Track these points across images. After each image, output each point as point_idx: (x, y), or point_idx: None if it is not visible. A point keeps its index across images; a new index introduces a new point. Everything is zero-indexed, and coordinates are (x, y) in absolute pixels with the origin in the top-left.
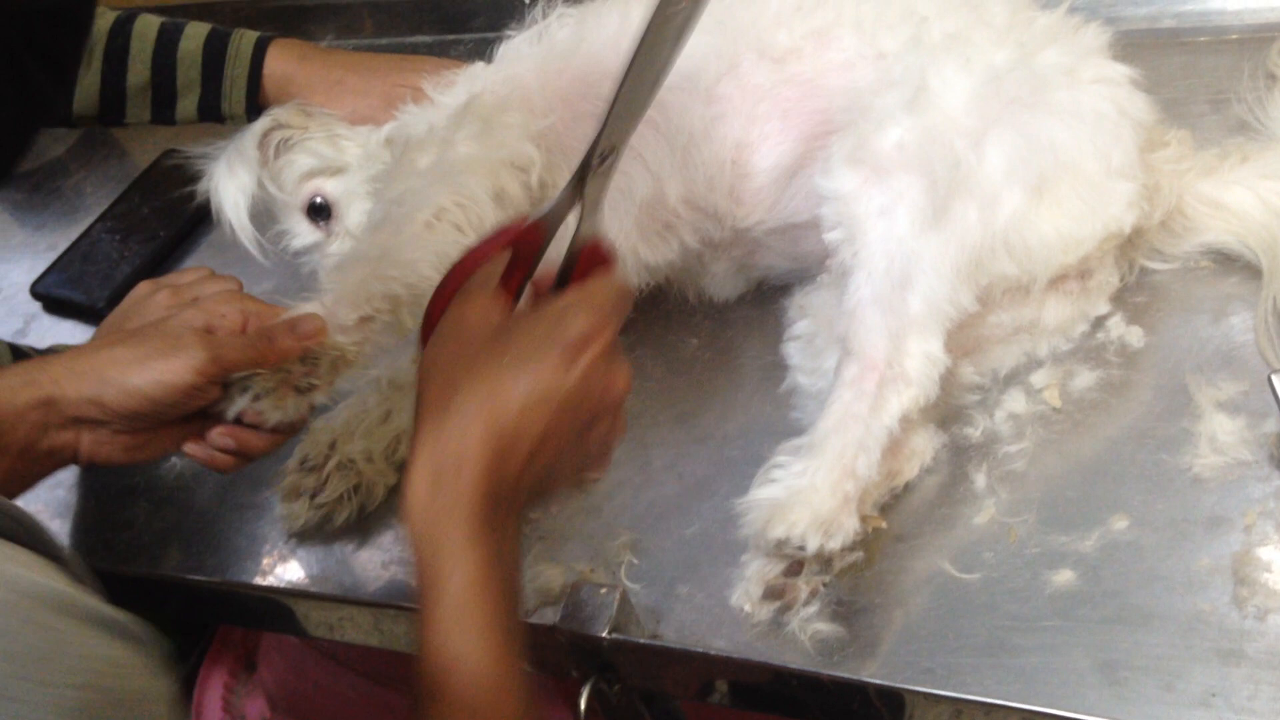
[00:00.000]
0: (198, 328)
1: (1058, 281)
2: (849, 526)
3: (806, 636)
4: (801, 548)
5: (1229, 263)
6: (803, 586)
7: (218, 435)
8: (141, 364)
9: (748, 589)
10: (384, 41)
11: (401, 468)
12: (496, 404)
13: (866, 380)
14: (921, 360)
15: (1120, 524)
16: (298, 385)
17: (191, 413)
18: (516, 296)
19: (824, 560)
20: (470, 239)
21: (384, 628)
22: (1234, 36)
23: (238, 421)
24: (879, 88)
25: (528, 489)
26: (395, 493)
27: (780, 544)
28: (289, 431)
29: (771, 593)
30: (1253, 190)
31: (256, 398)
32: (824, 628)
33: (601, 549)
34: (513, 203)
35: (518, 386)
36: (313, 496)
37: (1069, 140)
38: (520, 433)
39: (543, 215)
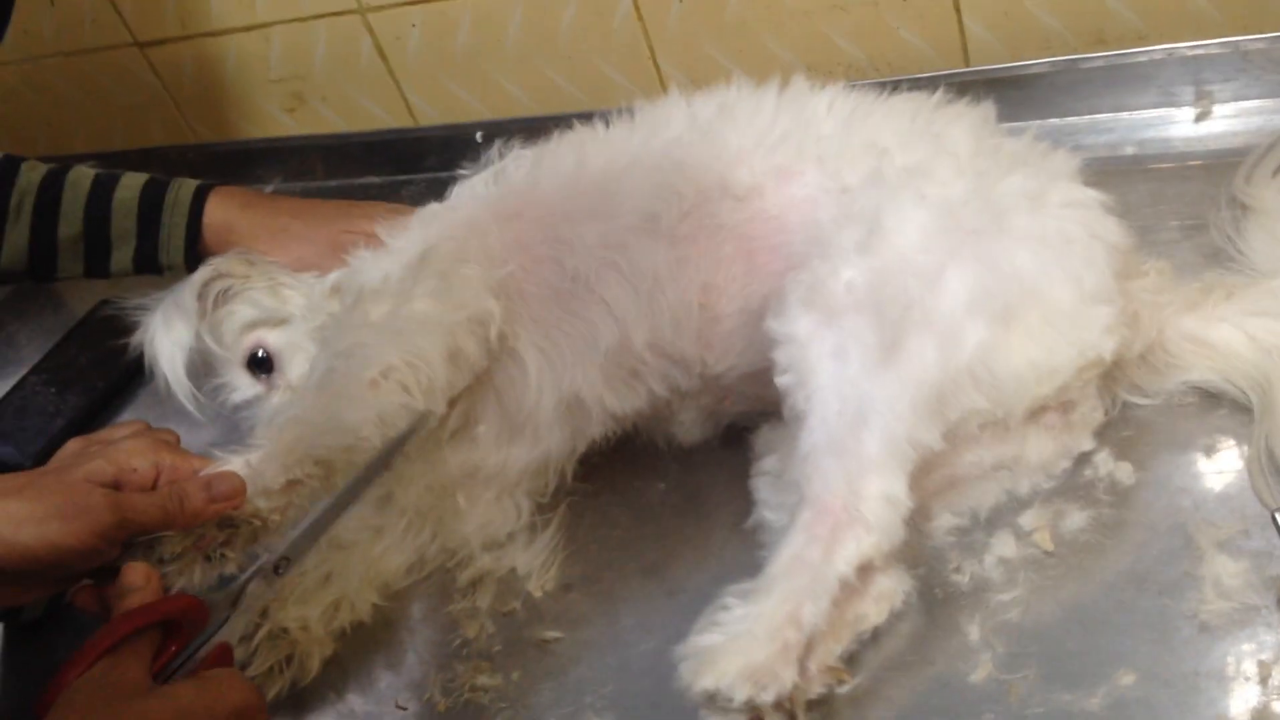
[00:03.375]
0: (105, 483)
1: (1038, 415)
2: (785, 678)
3: None
4: (729, 701)
5: (1215, 398)
6: None
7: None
8: (38, 524)
9: None
10: (334, 184)
11: (341, 637)
12: None
13: (820, 525)
14: (880, 503)
15: (1128, 679)
16: (208, 553)
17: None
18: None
19: (787, 715)
20: (418, 402)
21: None
22: (1197, 163)
23: None
24: (838, 224)
25: None
26: (334, 665)
27: (709, 697)
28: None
29: None
30: (1240, 328)
31: (161, 561)
32: None
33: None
34: (468, 363)
35: None
36: (240, 670)
37: (1035, 267)
38: None
39: (206, 596)
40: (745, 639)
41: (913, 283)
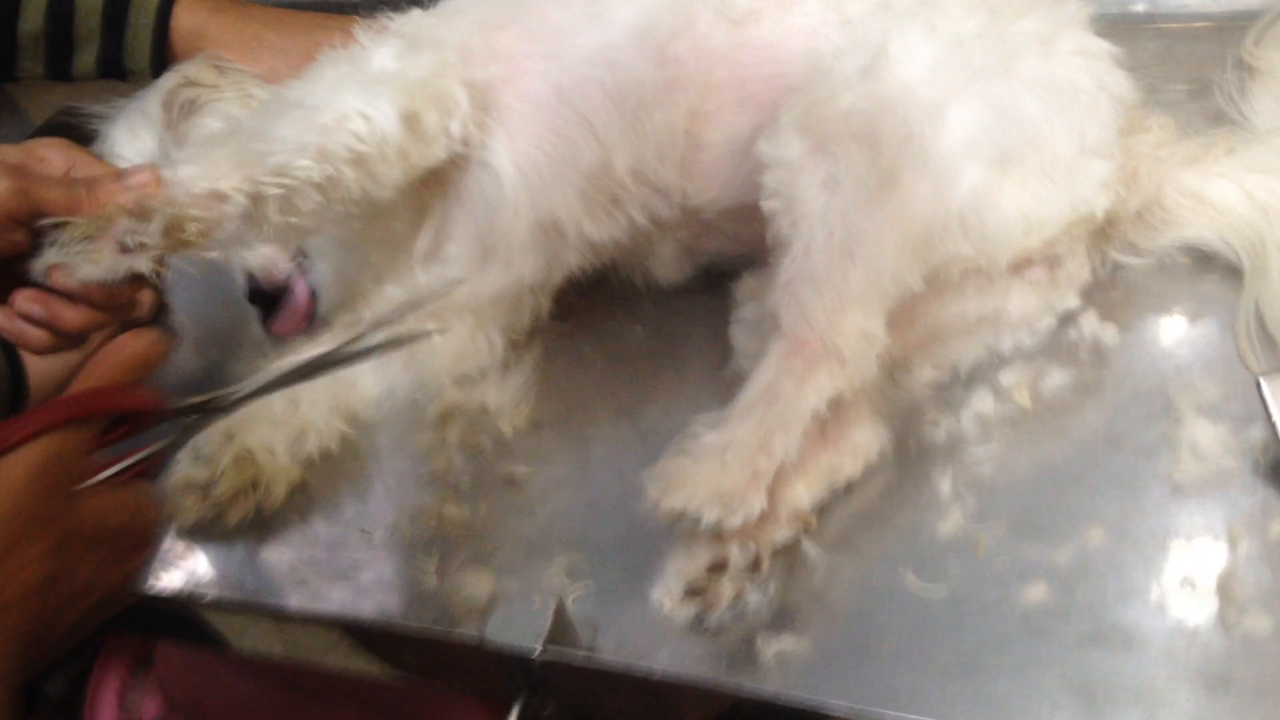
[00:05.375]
0: (9, 162)
1: (1022, 268)
2: (754, 504)
3: (756, 651)
4: (697, 521)
5: (1207, 261)
6: (727, 585)
7: (23, 300)
8: None
9: (668, 585)
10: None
11: (308, 464)
12: None
13: (795, 356)
14: (857, 338)
15: (1096, 535)
16: (122, 241)
17: None
18: None
19: (751, 559)
20: (369, 150)
21: (289, 637)
22: (1208, 23)
23: (48, 285)
24: (839, 53)
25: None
26: (300, 492)
27: (677, 515)
28: (112, 305)
29: (693, 590)
30: (1238, 184)
31: (66, 247)
32: (776, 644)
33: (535, 554)
34: (425, 136)
35: None
36: (204, 491)
37: (1040, 113)
38: None
39: (175, 404)
40: (716, 463)
41: (914, 116)
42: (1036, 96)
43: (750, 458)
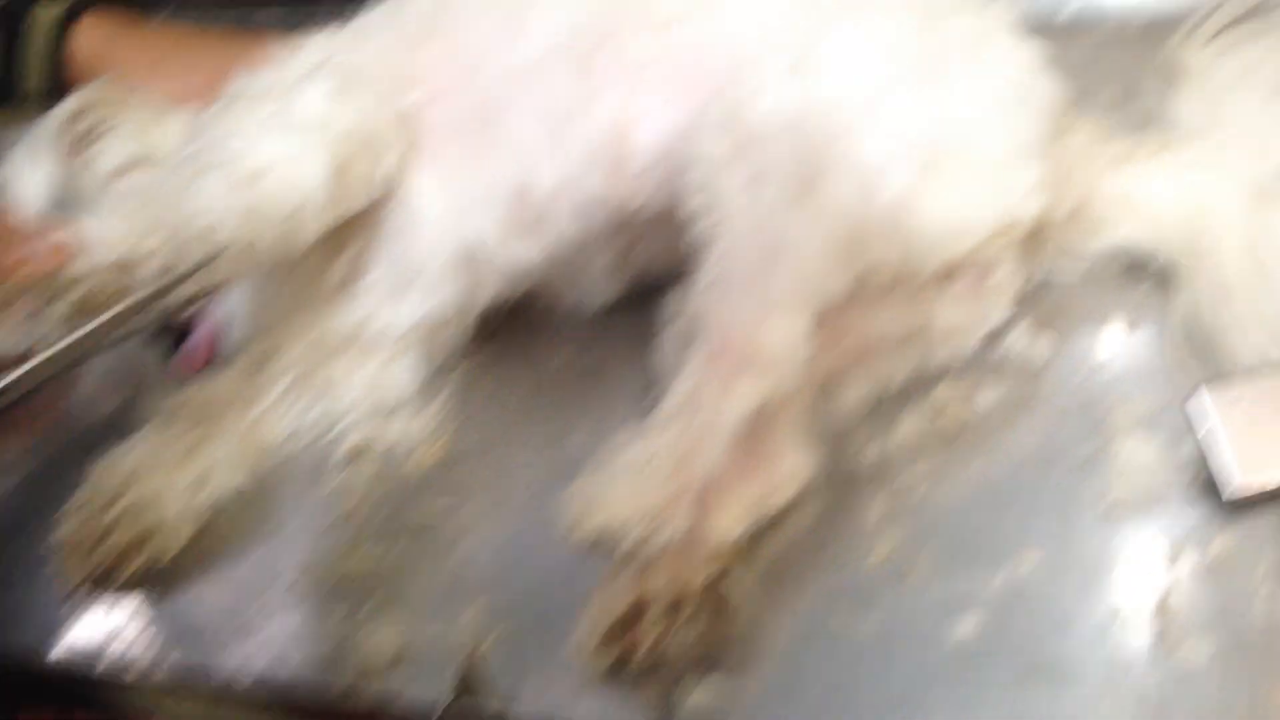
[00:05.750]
0: None
1: (951, 276)
2: (679, 521)
3: (680, 697)
4: (618, 544)
5: (1141, 267)
6: (649, 628)
7: None
8: None
9: (587, 629)
10: (230, 13)
11: (209, 510)
12: None
13: (719, 362)
14: (782, 343)
15: (1030, 561)
16: (28, 314)
17: None
18: None
19: (674, 599)
20: (298, 204)
21: (189, 704)
22: (1140, 26)
23: None
24: (766, 52)
25: None
26: (199, 543)
27: (597, 537)
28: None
29: (613, 634)
30: (1169, 183)
31: None
32: (701, 689)
33: (450, 598)
34: (356, 183)
35: None
36: (93, 548)
37: (968, 116)
38: None
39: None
40: (637, 478)
41: (840, 115)
42: (964, 98)
43: (673, 470)
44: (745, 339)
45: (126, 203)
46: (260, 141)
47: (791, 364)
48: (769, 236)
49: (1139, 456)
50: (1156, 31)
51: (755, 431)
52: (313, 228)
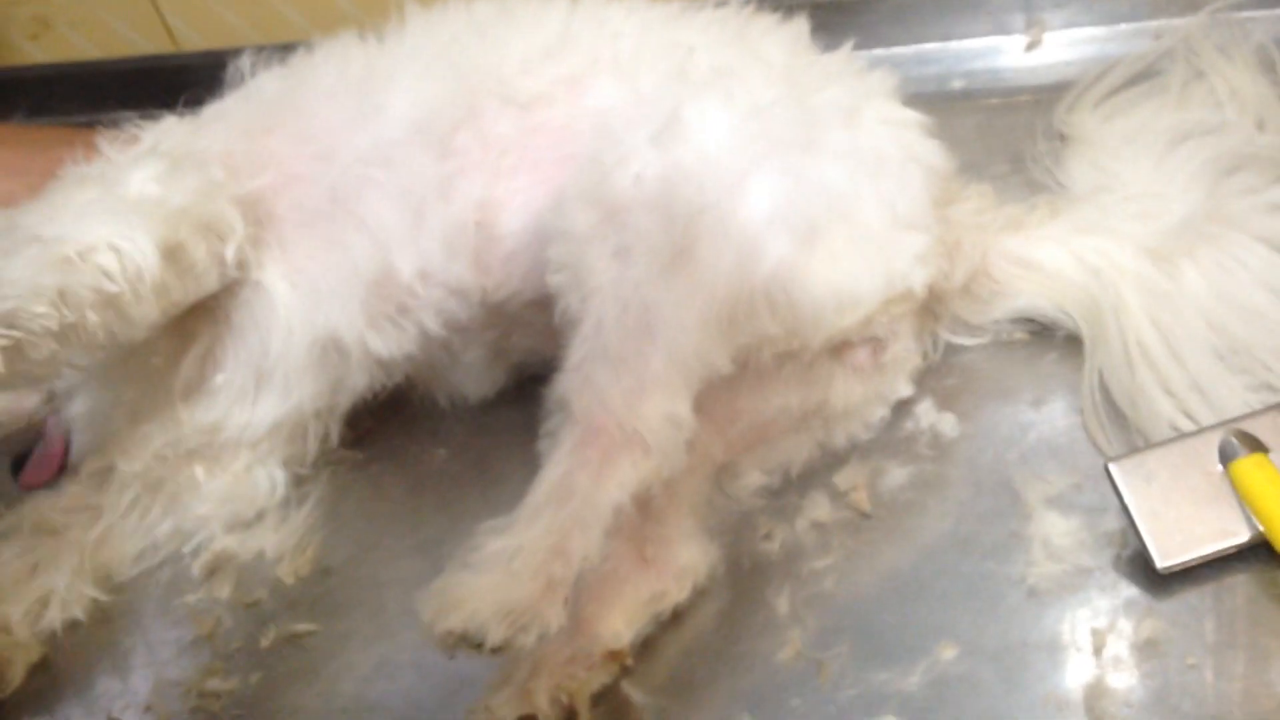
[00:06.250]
0: None
1: (842, 351)
2: (550, 618)
3: None
4: (480, 644)
5: (1046, 336)
6: None
7: None
8: None
9: None
10: (85, 118)
11: (50, 639)
12: None
13: (591, 446)
14: (661, 422)
15: (949, 653)
16: None
17: None
18: None
19: (564, 711)
20: (120, 290)
21: None
22: (1027, 96)
23: None
24: (631, 123)
25: None
26: (42, 671)
27: (455, 639)
28: None
29: None
30: (1065, 246)
31: None
32: None
33: None
34: (192, 269)
35: None
36: None
37: (845, 185)
38: None
39: None
40: (501, 574)
41: (710, 184)
42: (842, 167)
43: (542, 564)
44: (621, 418)
45: None
46: (80, 224)
47: (673, 444)
48: (639, 310)
49: (1058, 535)
50: (1046, 103)
51: (642, 524)
52: (144, 313)
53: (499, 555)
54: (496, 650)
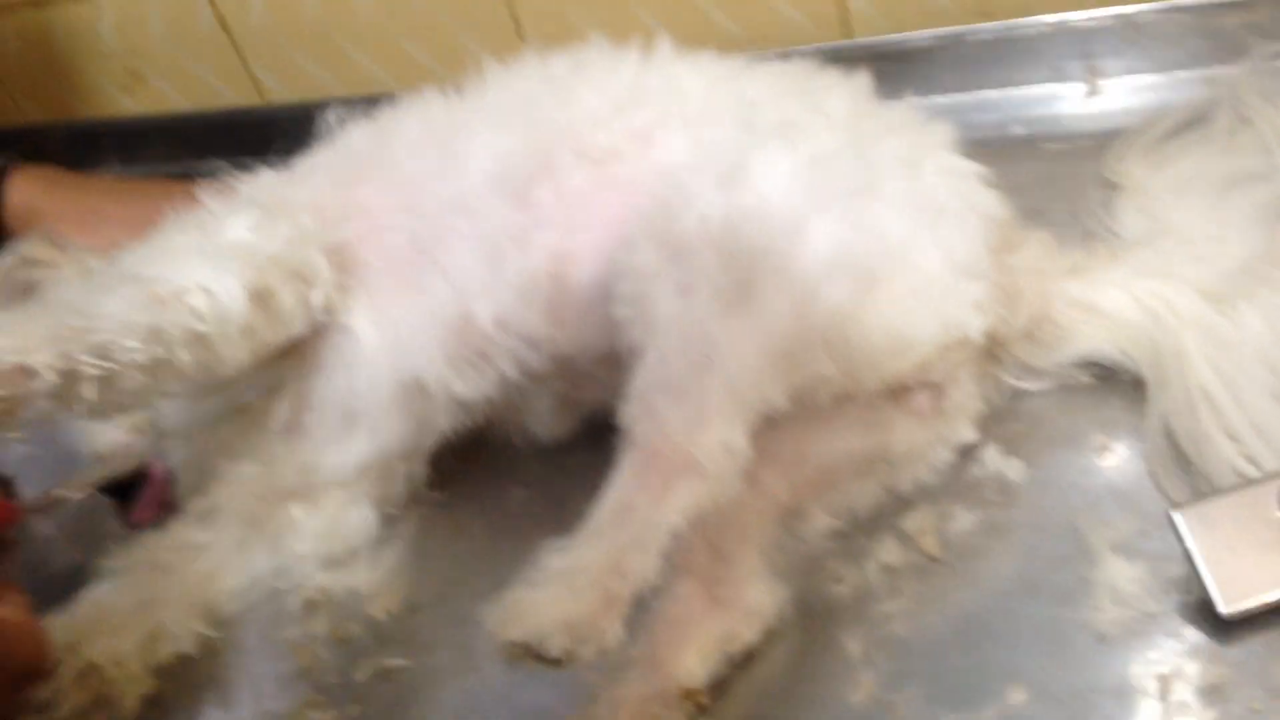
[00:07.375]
0: None
1: (901, 396)
2: (609, 633)
3: None
4: (542, 655)
5: (1111, 381)
6: None
7: None
8: None
9: None
10: (176, 168)
11: (160, 672)
12: None
13: (651, 469)
14: (717, 449)
15: (1018, 697)
16: None
17: None
18: None
19: None
20: (209, 330)
21: None
22: (1087, 142)
23: None
24: (696, 168)
25: None
26: (154, 704)
27: (518, 650)
28: None
29: None
30: (1127, 291)
31: None
32: None
33: None
34: (280, 314)
35: None
36: (43, 713)
37: (905, 232)
38: None
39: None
40: (562, 589)
41: (773, 228)
42: (900, 215)
43: (601, 581)
44: (679, 444)
45: (23, 314)
46: (175, 267)
47: (729, 471)
48: (700, 343)
49: (1124, 580)
50: (1110, 146)
51: (712, 566)
52: (233, 353)
53: (561, 572)
54: (557, 662)
